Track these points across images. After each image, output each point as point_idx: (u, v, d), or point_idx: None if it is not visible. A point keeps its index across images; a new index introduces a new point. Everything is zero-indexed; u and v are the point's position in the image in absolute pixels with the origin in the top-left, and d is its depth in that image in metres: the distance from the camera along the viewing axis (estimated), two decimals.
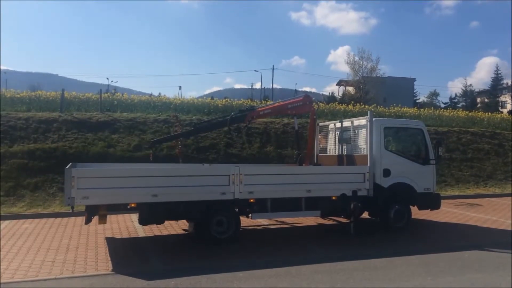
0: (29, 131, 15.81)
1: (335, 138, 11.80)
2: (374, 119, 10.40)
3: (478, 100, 69.66)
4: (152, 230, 10.06)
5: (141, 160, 15.14)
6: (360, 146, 10.81)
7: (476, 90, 75.33)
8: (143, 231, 10.00)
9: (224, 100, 24.26)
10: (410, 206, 10.65)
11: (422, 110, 28.16)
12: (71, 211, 8.53)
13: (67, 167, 8.12)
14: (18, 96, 19.98)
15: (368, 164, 10.04)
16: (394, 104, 28.37)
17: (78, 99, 20.81)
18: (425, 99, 75.31)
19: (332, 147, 12.03)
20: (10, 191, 12.90)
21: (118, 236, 9.64)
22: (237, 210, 9.15)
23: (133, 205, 8.37)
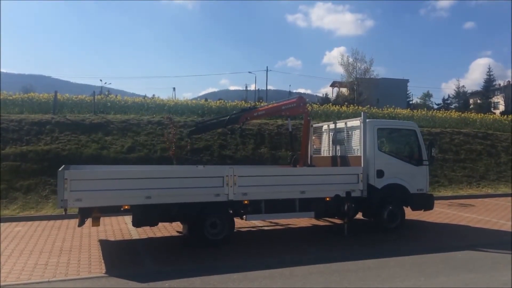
0: (22, 133, 15.71)
1: (329, 139, 11.83)
2: (367, 120, 10.45)
3: (471, 101, 70.22)
4: (145, 232, 10.03)
5: (135, 162, 15.11)
6: (353, 147, 10.85)
7: (469, 91, 75.96)
8: (136, 233, 9.97)
9: (218, 102, 24.25)
10: (404, 206, 10.70)
11: (415, 111, 28.33)
12: (64, 213, 8.50)
13: (60, 169, 8.07)
14: (11, 98, 19.84)
15: (362, 165, 10.08)
16: (388, 105, 28.49)
17: (71, 101, 20.71)
18: (418, 100, 75.82)
19: (326, 148, 12.07)
20: (2, 193, 12.79)
21: (111, 238, 9.60)
22: (231, 211, 9.15)
23: (126, 207, 8.34)
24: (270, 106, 12.58)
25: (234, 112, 11.76)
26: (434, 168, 17.62)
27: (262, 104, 19.43)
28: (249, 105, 16.78)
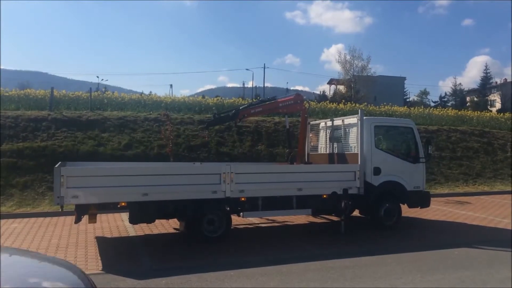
0: (18, 130, 15.63)
1: (326, 136, 11.84)
2: (364, 117, 10.45)
3: (468, 99, 70.45)
4: (142, 229, 10.01)
5: (132, 159, 15.07)
6: (350, 145, 10.85)
7: (466, 89, 76.20)
8: (133, 230, 9.95)
9: (215, 99, 24.21)
10: (400, 204, 10.72)
11: (412, 109, 28.34)
12: (60, 210, 8.46)
13: (56, 166, 8.04)
14: (7, 94, 19.73)
15: (359, 163, 10.09)
16: (385, 103, 28.51)
17: (68, 97, 20.62)
18: (415, 98, 75.92)
19: (323, 145, 12.07)
20: None
21: (108, 235, 9.58)
22: (228, 208, 9.13)
23: (123, 204, 8.33)
24: (267, 103, 12.56)
25: (249, 104, 11.72)
26: (431, 165, 17.66)
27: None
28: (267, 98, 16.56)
